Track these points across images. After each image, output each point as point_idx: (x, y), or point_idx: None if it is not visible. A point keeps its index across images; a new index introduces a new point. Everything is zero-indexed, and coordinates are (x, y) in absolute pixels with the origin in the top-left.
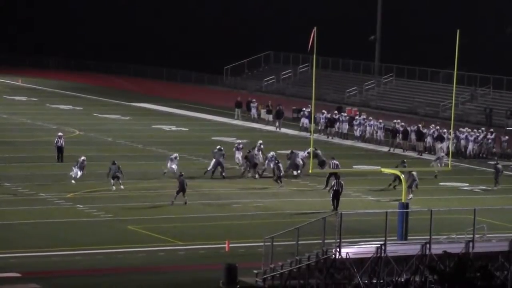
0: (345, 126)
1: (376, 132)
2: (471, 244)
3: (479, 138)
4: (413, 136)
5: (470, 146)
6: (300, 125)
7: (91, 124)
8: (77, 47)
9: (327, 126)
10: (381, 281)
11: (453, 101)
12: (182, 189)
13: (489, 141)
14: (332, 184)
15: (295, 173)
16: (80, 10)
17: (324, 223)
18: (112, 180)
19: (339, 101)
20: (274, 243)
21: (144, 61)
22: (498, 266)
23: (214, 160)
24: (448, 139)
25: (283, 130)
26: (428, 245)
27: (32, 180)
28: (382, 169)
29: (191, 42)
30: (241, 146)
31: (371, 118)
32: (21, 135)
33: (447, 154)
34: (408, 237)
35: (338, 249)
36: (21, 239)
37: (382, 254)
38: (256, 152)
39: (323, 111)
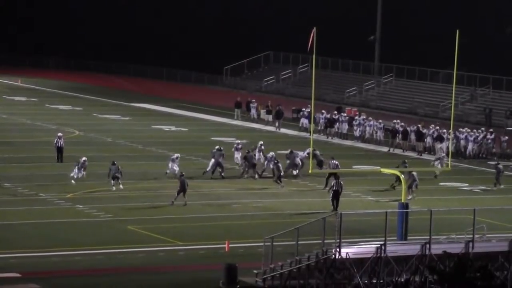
0: (345, 126)
1: (376, 132)
2: (471, 244)
3: (478, 138)
4: (412, 136)
5: (470, 146)
6: (300, 125)
7: (91, 125)
8: (77, 47)
9: (327, 126)
10: (381, 281)
11: (453, 101)
12: (183, 189)
13: (489, 141)
14: (332, 184)
15: (294, 172)
16: (80, 10)
17: (324, 223)
18: (112, 181)
19: (339, 101)
20: (274, 243)
21: (144, 61)
22: (498, 266)
23: (213, 160)
24: (448, 139)
25: (283, 130)
26: (428, 245)
27: (32, 180)
28: (382, 169)
29: (191, 42)
30: (240, 146)
31: (370, 118)
32: (21, 135)
33: (447, 154)
34: (408, 237)
35: (338, 249)
36: (21, 239)
37: (382, 254)
38: (256, 152)
39: (323, 111)
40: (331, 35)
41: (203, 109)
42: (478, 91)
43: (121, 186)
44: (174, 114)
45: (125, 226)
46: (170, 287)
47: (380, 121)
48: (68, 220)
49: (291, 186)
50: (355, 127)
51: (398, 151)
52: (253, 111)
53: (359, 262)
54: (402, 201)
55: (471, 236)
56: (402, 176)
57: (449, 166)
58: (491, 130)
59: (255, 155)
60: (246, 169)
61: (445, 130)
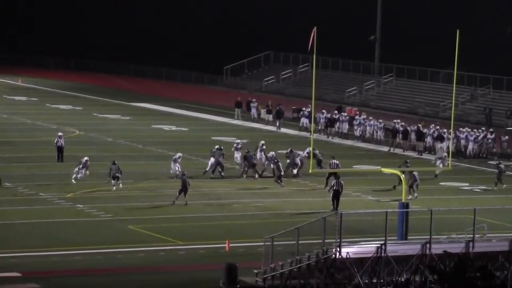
0: (345, 126)
1: (376, 132)
2: (471, 244)
3: (479, 138)
4: (413, 136)
5: (470, 146)
6: (300, 125)
7: (91, 124)
8: (77, 47)
9: (327, 126)
10: (381, 281)
11: (453, 101)
12: (184, 189)
13: (489, 141)
14: (332, 184)
15: (294, 171)
16: (80, 10)
17: (324, 223)
18: (112, 181)
19: (339, 101)
20: (274, 243)
21: (144, 61)
22: (498, 266)
23: (212, 159)
24: (448, 139)
25: (283, 130)
26: (428, 245)
27: (32, 180)
28: (382, 169)
29: (191, 42)
30: (239, 146)
31: (371, 118)
32: (21, 135)
33: (447, 154)
34: (408, 237)
35: (338, 249)
36: (21, 239)
37: (382, 254)
38: (258, 152)
39: (323, 111)
40: (331, 35)
41: (203, 109)
42: (478, 91)
43: (121, 185)
44: (174, 114)
45: (125, 226)
46: (170, 287)
47: (381, 120)
48: (68, 220)
49: (291, 186)
50: (355, 127)
51: (398, 150)
52: (253, 111)
53: (359, 261)
54: (403, 200)
55: (472, 236)
56: (402, 176)
57: (449, 166)
58: (491, 130)
59: (255, 154)
60: (246, 169)
61: (445, 130)
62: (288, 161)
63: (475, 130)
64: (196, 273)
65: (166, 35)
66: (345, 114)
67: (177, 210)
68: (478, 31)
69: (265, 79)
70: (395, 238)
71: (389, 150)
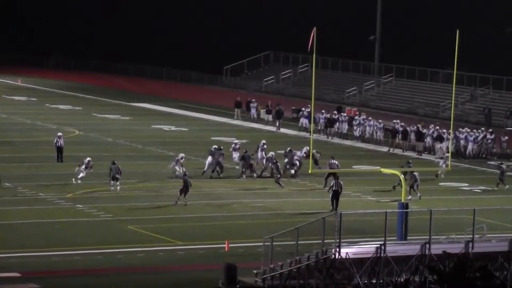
0: (345, 126)
1: (376, 132)
2: (470, 244)
3: (478, 138)
4: (412, 136)
5: (470, 146)
6: (300, 125)
7: (91, 124)
8: (77, 47)
9: (327, 126)
10: (381, 281)
11: (453, 101)
12: (186, 189)
13: (489, 141)
14: (332, 184)
15: (292, 171)
16: (80, 10)
17: (323, 223)
18: (111, 181)
19: (339, 101)
20: (274, 243)
21: (144, 61)
22: (498, 266)
23: (210, 158)
24: (448, 139)
25: (283, 130)
26: (427, 245)
27: (32, 180)
28: (382, 169)
29: (191, 42)
30: (238, 146)
31: (370, 118)
32: (21, 135)
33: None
34: (408, 237)
35: (337, 249)
36: (21, 239)
37: (382, 254)
38: (259, 151)
39: (323, 111)
40: (331, 35)
41: (203, 109)
42: (478, 91)
43: (119, 188)
44: (174, 114)
45: (125, 226)
46: (170, 287)
47: (380, 121)
48: (68, 220)
49: (291, 186)
50: (355, 127)
51: (398, 151)
52: (253, 111)
53: (359, 262)
54: (402, 201)
55: (471, 236)
56: (402, 176)
57: (449, 166)
58: (490, 130)
59: (252, 155)
60: (243, 169)
61: (445, 130)
62: (286, 160)
63: (475, 130)
64: (196, 273)
65: (166, 35)
66: (345, 114)
67: (176, 210)
68: (478, 31)
69: (265, 79)
70: (395, 238)
71: (389, 150)
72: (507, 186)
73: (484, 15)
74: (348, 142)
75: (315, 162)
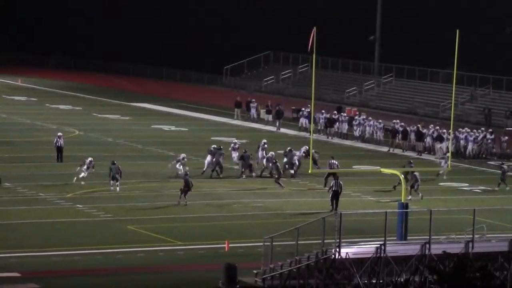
0: (345, 126)
1: (376, 132)
2: (470, 244)
3: (478, 139)
4: (412, 136)
5: (470, 146)
6: (300, 125)
7: (91, 124)
8: (77, 47)
9: (327, 126)
10: (381, 281)
11: (453, 101)
12: (187, 189)
13: (489, 141)
14: (331, 184)
15: (291, 171)
16: (80, 10)
17: (323, 223)
18: (111, 181)
19: (339, 101)
20: (274, 243)
21: (144, 61)
22: (498, 266)
23: (209, 157)
24: (448, 139)
25: (283, 130)
26: (427, 245)
27: (32, 180)
28: (382, 169)
29: (191, 42)
30: (237, 146)
31: (370, 118)
32: (20, 135)
33: (445, 154)
34: (408, 237)
35: (337, 249)
36: (21, 239)
37: (382, 254)
38: (260, 151)
39: (323, 111)
40: (331, 35)
41: (203, 109)
42: (478, 91)
43: (118, 189)
44: (174, 114)
45: (125, 226)
46: (170, 287)
47: (380, 121)
48: (68, 220)
49: (291, 186)
50: (355, 127)
51: (398, 151)
52: (253, 111)
53: (359, 262)
54: (402, 201)
55: (471, 236)
56: (402, 176)
57: (449, 166)
58: (490, 130)
59: (251, 154)
60: (243, 169)
61: (445, 130)
62: (285, 159)
63: (475, 130)
64: (196, 273)
65: (166, 35)
66: (345, 114)
67: (177, 210)
68: (478, 31)
69: (265, 79)
70: (395, 238)
71: (389, 150)
72: (508, 187)
73: (484, 15)
74: (348, 142)
75: (314, 162)
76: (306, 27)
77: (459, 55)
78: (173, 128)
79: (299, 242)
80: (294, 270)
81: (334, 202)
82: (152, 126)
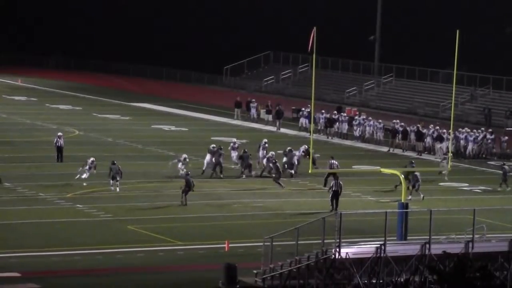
0: (345, 126)
1: (376, 132)
2: (470, 244)
3: (478, 139)
4: (412, 136)
5: (470, 146)
6: (299, 125)
7: (91, 124)
8: (77, 47)
9: (327, 126)
10: (381, 281)
11: (453, 101)
12: (188, 189)
13: (489, 141)
14: (331, 184)
15: (292, 171)
16: (80, 10)
17: (323, 223)
18: (111, 181)
19: (339, 101)
20: (274, 243)
21: (144, 61)
22: (498, 266)
23: (209, 156)
24: (448, 139)
25: (283, 130)
26: (427, 245)
27: (32, 179)
28: (382, 169)
29: (191, 42)
30: (236, 145)
31: (370, 118)
32: (21, 135)
33: (446, 154)
34: (408, 237)
35: (337, 249)
36: (21, 239)
37: (382, 254)
38: (260, 150)
39: (323, 111)
40: (331, 35)
41: (203, 109)
42: (478, 91)
43: (118, 189)
44: (174, 114)
45: (125, 226)
46: (170, 287)
47: (380, 121)
48: (68, 220)
49: (291, 186)
50: (355, 127)
51: (398, 151)
52: (253, 111)
53: (359, 262)
54: (402, 201)
55: (471, 236)
56: (402, 176)
57: (449, 166)
58: (490, 130)
59: (251, 154)
60: (243, 169)
61: (445, 130)
62: (284, 159)
63: (475, 130)
64: (196, 273)
65: (166, 35)
66: (345, 114)
67: (176, 210)
68: (478, 31)
69: (265, 79)
70: (395, 238)
71: (389, 150)
72: (509, 188)
73: (484, 15)
74: (348, 142)
75: (313, 162)
76: (306, 27)
77: (459, 55)
78: (173, 128)
79: (299, 242)
80: (294, 270)
81: (334, 202)
82: (152, 126)
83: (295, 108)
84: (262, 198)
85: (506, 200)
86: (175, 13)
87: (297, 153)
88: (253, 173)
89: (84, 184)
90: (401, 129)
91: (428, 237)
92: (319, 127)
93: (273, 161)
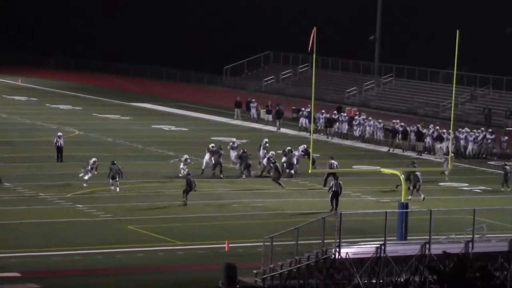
0: (345, 126)
1: (376, 132)
2: (470, 244)
3: (478, 139)
4: (412, 136)
5: (470, 146)
6: (299, 125)
7: (91, 124)
8: (77, 47)
9: (327, 126)
10: (381, 281)
11: (453, 101)
12: (189, 188)
13: (489, 141)
14: (331, 185)
15: (292, 171)
16: (80, 10)
17: (323, 223)
18: (111, 181)
19: (339, 101)
20: (274, 243)
21: (144, 61)
22: (498, 266)
23: (208, 156)
24: (448, 139)
25: (283, 130)
26: (427, 245)
27: (32, 180)
28: (382, 169)
29: (191, 42)
30: (235, 145)
31: (370, 118)
32: (21, 135)
33: (447, 154)
34: (408, 237)
35: (337, 249)
36: (21, 239)
37: (382, 254)
38: (261, 150)
39: (323, 111)
40: (331, 35)
41: (203, 109)
42: (478, 91)
43: (118, 189)
44: (174, 114)
45: (125, 226)
46: (170, 287)
47: (380, 121)
48: (68, 220)
49: (291, 186)
50: (355, 127)
51: (398, 151)
52: (253, 111)
53: (359, 262)
54: (402, 201)
55: (471, 236)
56: (402, 176)
57: (449, 166)
58: (490, 130)
59: (250, 154)
60: (242, 169)
61: (445, 130)
62: (284, 159)
63: (475, 130)
64: (196, 273)
65: (166, 35)
66: (345, 114)
67: (177, 210)
68: (478, 31)
69: (265, 79)
70: (395, 238)
71: (389, 150)
72: (509, 188)
73: (484, 15)
74: (348, 142)
75: (312, 162)
76: (306, 27)
77: (459, 55)
78: (173, 128)
79: (299, 242)
80: (294, 270)
81: (334, 202)
82: (152, 126)
83: (295, 108)
84: (262, 198)
85: (506, 200)
86: (175, 13)
87: (296, 153)
88: (252, 173)
89: (85, 184)
90: (401, 129)
91: (428, 237)
92: (319, 127)
93: (273, 161)
